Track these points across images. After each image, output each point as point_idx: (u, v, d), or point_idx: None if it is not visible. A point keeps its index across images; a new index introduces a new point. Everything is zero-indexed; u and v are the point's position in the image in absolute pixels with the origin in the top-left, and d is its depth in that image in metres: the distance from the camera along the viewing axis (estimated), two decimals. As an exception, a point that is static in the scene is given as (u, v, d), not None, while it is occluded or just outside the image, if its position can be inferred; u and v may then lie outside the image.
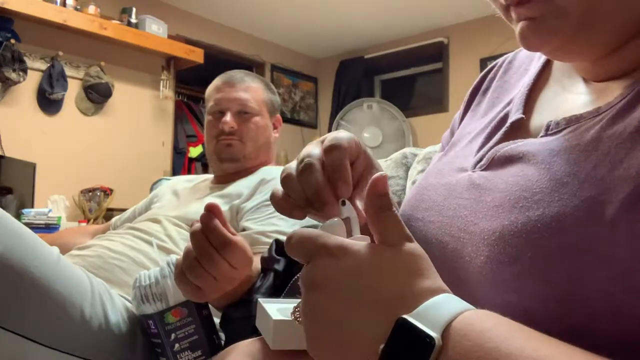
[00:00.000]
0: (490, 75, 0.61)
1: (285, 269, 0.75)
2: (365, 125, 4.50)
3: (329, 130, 4.69)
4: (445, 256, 0.45)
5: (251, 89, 1.39)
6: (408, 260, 0.35)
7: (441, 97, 4.52)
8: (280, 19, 4.30)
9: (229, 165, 1.37)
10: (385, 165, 1.30)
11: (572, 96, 0.46)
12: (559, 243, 0.34)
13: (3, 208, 0.79)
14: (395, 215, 0.37)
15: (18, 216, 2.59)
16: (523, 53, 0.59)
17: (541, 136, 0.43)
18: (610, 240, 0.32)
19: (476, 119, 0.58)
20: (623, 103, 0.38)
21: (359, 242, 0.37)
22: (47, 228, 2.67)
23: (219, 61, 3.85)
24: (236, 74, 1.42)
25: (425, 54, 4.59)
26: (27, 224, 2.52)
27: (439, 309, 0.32)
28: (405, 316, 0.32)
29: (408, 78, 5.03)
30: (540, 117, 0.48)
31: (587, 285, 0.33)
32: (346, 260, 0.35)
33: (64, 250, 1.05)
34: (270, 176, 1.28)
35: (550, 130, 0.43)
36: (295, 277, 0.84)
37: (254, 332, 0.57)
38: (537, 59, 0.55)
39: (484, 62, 4.13)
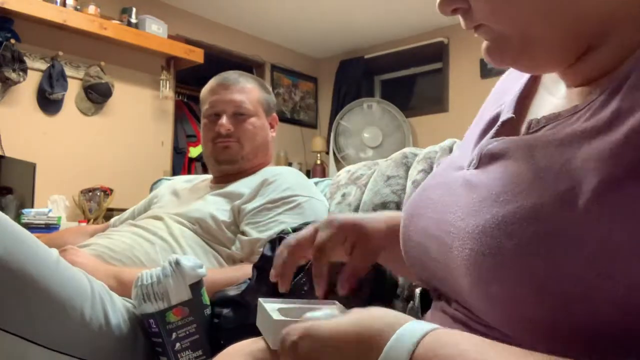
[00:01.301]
0: (499, 81, 0.65)
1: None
2: (365, 125, 4.49)
3: (329, 130, 4.69)
4: (439, 250, 0.48)
5: (246, 90, 1.37)
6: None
7: (441, 97, 4.51)
8: (280, 19, 4.30)
9: (227, 167, 1.36)
10: (386, 165, 1.30)
11: (554, 100, 0.50)
12: (535, 231, 0.37)
13: (3, 208, 0.79)
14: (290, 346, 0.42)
15: (18, 216, 2.58)
16: None
17: (523, 134, 0.47)
18: (583, 227, 0.35)
19: (480, 120, 0.60)
20: (598, 102, 0.40)
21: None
22: (47, 228, 2.66)
23: (219, 61, 3.85)
24: (230, 75, 1.40)
25: (425, 54, 4.59)
26: (27, 224, 2.52)
27: None
28: None
29: (408, 78, 5.02)
30: (529, 118, 0.51)
31: (561, 271, 0.35)
32: None
33: (63, 250, 1.05)
34: (273, 177, 1.27)
35: (531, 128, 0.47)
36: (296, 278, 0.84)
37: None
38: None
39: (484, 62, 4.13)
